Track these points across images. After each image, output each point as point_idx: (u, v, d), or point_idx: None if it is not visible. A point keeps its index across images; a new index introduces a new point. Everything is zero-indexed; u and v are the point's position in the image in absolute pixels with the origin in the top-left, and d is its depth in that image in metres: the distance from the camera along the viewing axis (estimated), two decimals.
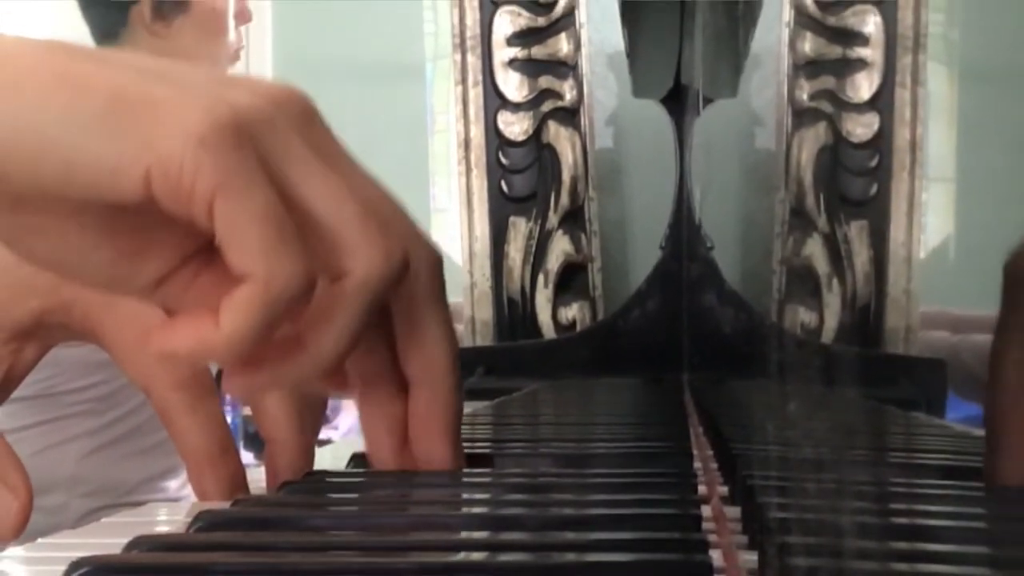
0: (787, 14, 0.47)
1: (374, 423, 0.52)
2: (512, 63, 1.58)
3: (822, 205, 0.41)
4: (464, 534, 0.44)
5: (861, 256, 0.38)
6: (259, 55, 3.16)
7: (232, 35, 1.78)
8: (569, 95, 1.58)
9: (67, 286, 0.53)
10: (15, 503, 0.49)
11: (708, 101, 0.93)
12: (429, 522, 0.45)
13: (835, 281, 0.39)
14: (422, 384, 0.51)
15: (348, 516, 0.47)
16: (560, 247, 1.57)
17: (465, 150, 1.58)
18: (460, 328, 1.52)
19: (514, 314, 1.56)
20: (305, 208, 0.44)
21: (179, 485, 1.76)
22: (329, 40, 3.38)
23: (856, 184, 0.40)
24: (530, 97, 1.58)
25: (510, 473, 0.57)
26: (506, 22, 1.59)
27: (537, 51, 1.58)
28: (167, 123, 0.41)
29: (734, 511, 0.46)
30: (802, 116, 0.44)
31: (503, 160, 1.58)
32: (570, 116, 1.58)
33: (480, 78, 1.58)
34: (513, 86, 1.58)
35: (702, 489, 0.50)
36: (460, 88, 1.59)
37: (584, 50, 1.59)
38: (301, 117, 0.45)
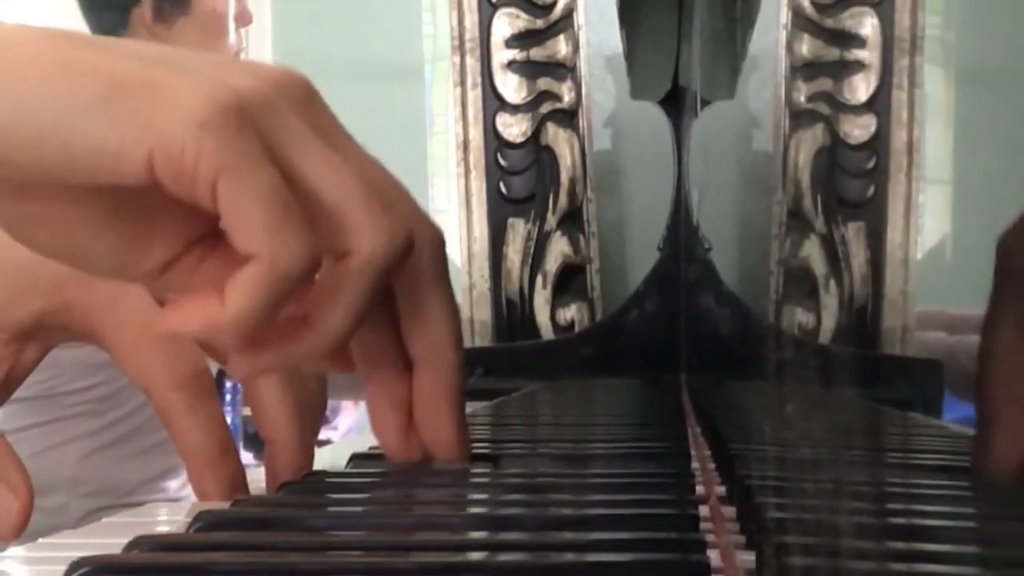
0: (784, 16, 0.47)
1: (379, 403, 0.52)
2: (511, 65, 1.58)
3: (819, 206, 0.41)
4: (464, 534, 0.44)
5: (858, 257, 0.38)
6: (258, 57, 3.16)
7: (232, 37, 1.79)
8: (567, 97, 1.58)
9: (69, 287, 0.53)
10: (16, 503, 0.49)
11: (706, 103, 0.93)
12: (428, 522, 0.46)
13: (832, 282, 0.39)
14: (426, 363, 0.51)
15: (347, 516, 0.47)
16: (558, 248, 1.57)
17: (464, 152, 1.58)
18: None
19: (513, 315, 1.56)
20: (308, 188, 0.44)
21: (179, 485, 1.76)
22: (328, 42, 3.38)
23: (853, 186, 0.40)
24: (529, 99, 1.58)
25: (509, 473, 0.57)
26: (505, 24, 1.59)
27: (536, 53, 1.59)
28: (169, 107, 0.41)
29: (732, 511, 0.46)
30: (799, 118, 0.44)
31: (502, 162, 1.58)
32: (568, 118, 1.58)
33: (479, 80, 1.58)
34: (512, 88, 1.58)
35: (700, 489, 0.50)
36: (459, 90, 1.59)
37: (582, 52, 1.59)
38: (302, 99, 0.46)
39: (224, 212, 0.42)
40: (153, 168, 0.41)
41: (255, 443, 2.37)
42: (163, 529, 0.49)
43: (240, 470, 0.55)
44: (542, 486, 0.53)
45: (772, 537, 0.35)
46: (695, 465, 0.59)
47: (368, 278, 0.45)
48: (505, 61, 1.58)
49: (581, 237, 1.57)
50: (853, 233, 0.38)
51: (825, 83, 0.42)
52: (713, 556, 0.38)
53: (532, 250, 1.56)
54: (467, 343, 1.53)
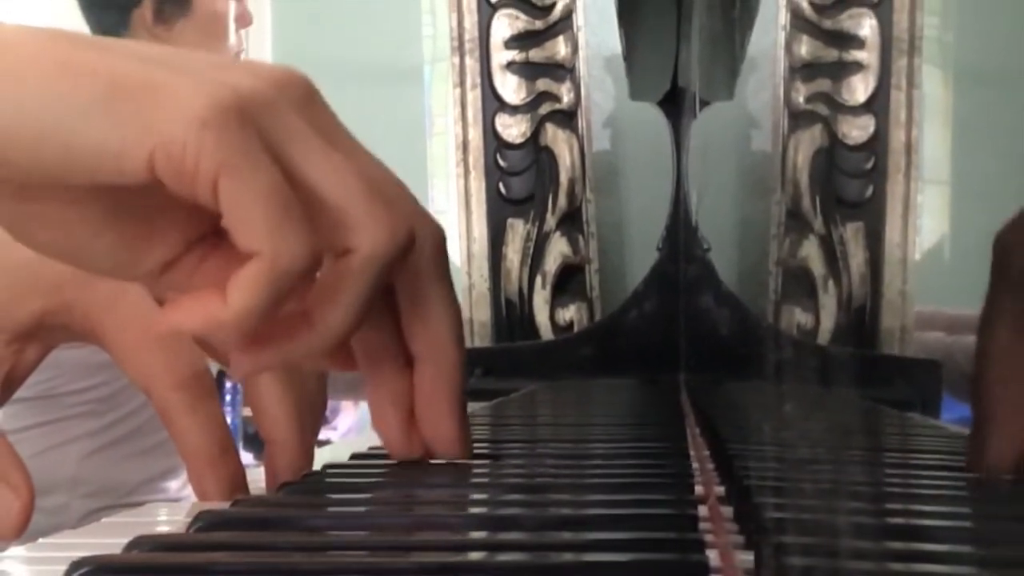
0: (783, 17, 0.47)
1: (380, 400, 0.52)
2: (510, 66, 1.58)
3: (818, 207, 0.41)
4: (463, 534, 0.44)
5: (857, 257, 0.38)
6: (258, 58, 3.16)
7: (233, 38, 1.79)
8: (567, 98, 1.58)
9: (69, 287, 0.54)
10: (17, 502, 0.49)
11: (705, 104, 0.93)
12: (428, 522, 0.46)
13: (831, 282, 0.39)
14: (427, 360, 0.51)
15: (348, 516, 0.48)
16: (558, 249, 1.57)
17: (463, 152, 1.58)
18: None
19: (512, 315, 1.56)
20: (309, 186, 0.44)
21: (179, 486, 1.76)
22: (328, 43, 3.37)
23: (852, 186, 0.40)
24: (528, 100, 1.58)
25: (508, 473, 0.57)
26: (504, 25, 1.59)
27: (535, 54, 1.59)
28: (169, 106, 0.41)
29: (730, 511, 0.46)
30: (798, 118, 0.44)
31: (501, 162, 1.58)
32: (568, 119, 1.58)
33: (478, 81, 1.58)
34: (511, 89, 1.58)
35: (699, 489, 0.50)
36: (458, 91, 1.59)
37: (582, 53, 1.59)
38: (302, 98, 0.46)
39: (225, 211, 0.42)
40: (154, 168, 0.41)
41: (255, 443, 2.37)
42: (163, 529, 0.49)
43: (240, 470, 0.55)
44: (541, 486, 0.53)
45: (771, 537, 0.35)
46: (694, 465, 0.59)
47: (369, 276, 0.45)
48: (504, 62, 1.58)
49: (580, 237, 1.57)
50: (851, 233, 0.39)
51: (824, 84, 0.42)
52: (712, 556, 0.38)
53: (531, 250, 1.56)
54: (467, 343, 1.54)
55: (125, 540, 0.41)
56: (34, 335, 0.55)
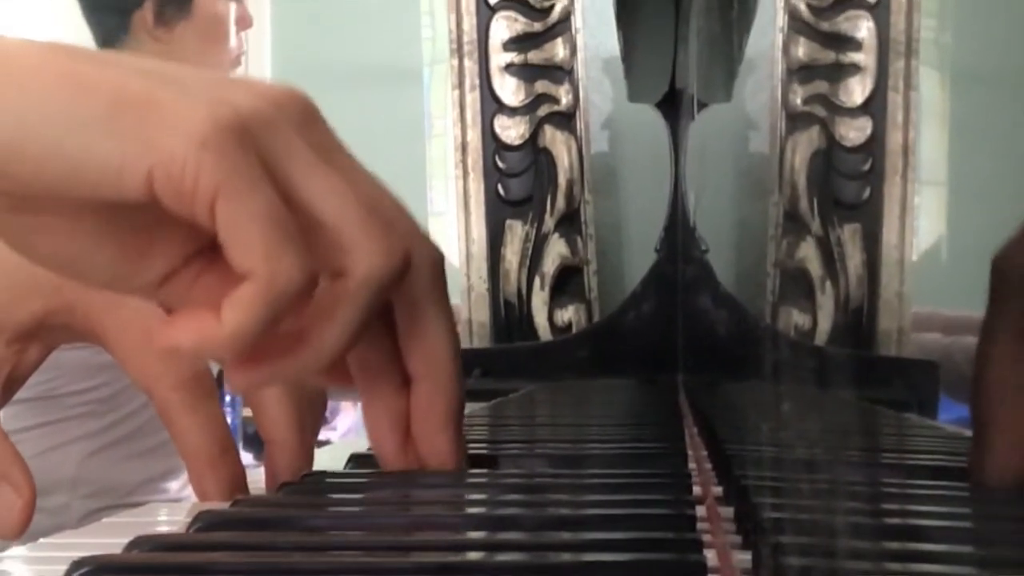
0: (781, 19, 0.47)
1: (377, 418, 0.52)
2: (509, 68, 1.58)
3: (815, 208, 0.41)
4: (462, 534, 0.44)
5: (854, 259, 0.38)
6: (258, 60, 3.16)
7: (233, 40, 1.79)
8: (565, 99, 1.59)
9: (70, 287, 0.54)
10: (19, 501, 0.49)
11: (702, 105, 0.93)
12: (427, 522, 0.46)
13: (828, 284, 0.39)
14: (424, 379, 0.51)
15: (347, 516, 0.48)
16: (556, 250, 1.57)
17: (462, 154, 1.58)
18: (457, 330, 1.51)
19: (510, 316, 1.56)
20: (307, 207, 0.44)
21: (180, 486, 1.76)
22: (327, 45, 3.38)
23: (849, 188, 0.40)
24: (526, 101, 1.58)
25: (507, 474, 0.57)
26: (503, 27, 1.59)
27: (533, 56, 1.59)
28: (169, 124, 0.41)
29: (728, 511, 0.46)
30: (795, 120, 0.44)
31: (500, 164, 1.58)
32: (566, 120, 1.59)
33: (477, 83, 1.58)
34: (510, 90, 1.59)
35: (697, 489, 0.50)
36: (457, 92, 1.59)
37: (580, 55, 1.59)
38: (302, 117, 0.46)
39: (222, 231, 0.42)
40: (152, 186, 0.41)
41: (255, 443, 2.37)
42: (163, 529, 0.50)
43: (240, 470, 0.55)
44: (540, 486, 0.53)
45: (768, 537, 0.35)
46: (692, 465, 0.59)
47: (364, 297, 0.46)
48: (503, 64, 1.58)
49: (579, 239, 1.57)
50: (849, 235, 0.39)
51: (821, 86, 0.42)
52: (710, 556, 0.38)
53: (530, 252, 1.56)
54: (465, 344, 1.54)
55: (125, 540, 0.41)
56: (35, 335, 0.55)
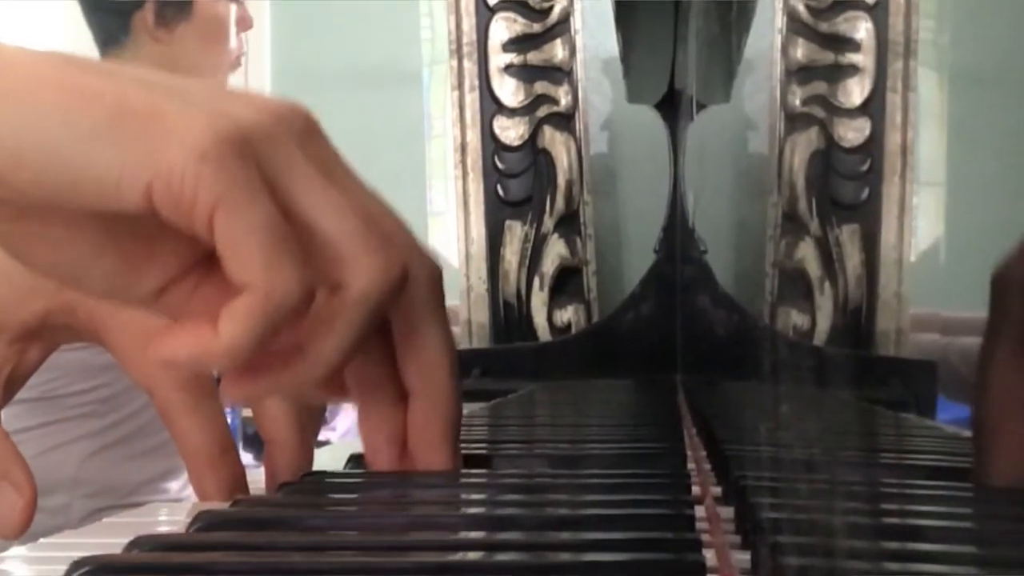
0: (780, 20, 0.47)
1: (373, 432, 0.52)
2: (508, 69, 1.59)
3: (814, 209, 0.41)
4: (461, 534, 0.44)
5: (853, 259, 0.38)
6: (257, 61, 3.16)
7: (233, 42, 1.79)
8: (564, 100, 1.59)
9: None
10: (20, 500, 0.49)
11: (701, 106, 0.93)
12: (427, 522, 0.46)
13: (827, 284, 0.40)
14: (421, 394, 0.51)
15: (346, 516, 0.48)
16: (555, 250, 1.57)
17: (462, 155, 1.58)
18: (457, 330, 1.52)
19: (510, 316, 1.56)
20: (306, 221, 0.44)
21: (180, 486, 1.76)
22: (327, 46, 3.38)
23: (848, 188, 0.40)
24: (526, 102, 1.58)
25: (506, 474, 0.57)
26: (502, 28, 1.59)
27: (533, 57, 1.59)
28: (170, 135, 0.41)
29: (727, 511, 0.46)
30: (794, 121, 0.44)
31: (499, 164, 1.58)
32: (565, 121, 1.59)
33: (476, 83, 1.58)
34: (509, 91, 1.59)
35: (695, 489, 0.50)
36: (457, 93, 1.59)
37: (579, 56, 1.59)
38: (303, 131, 0.46)
39: (220, 243, 0.42)
40: (152, 197, 0.41)
41: (255, 443, 2.37)
42: (163, 529, 0.50)
43: (240, 470, 0.55)
44: (539, 486, 0.53)
45: (767, 537, 0.35)
46: (691, 465, 0.59)
47: (361, 312, 0.45)
48: (502, 65, 1.59)
49: (578, 239, 1.57)
50: (847, 235, 0.39)
51: (820, 87, 0.42)
52: (709, 556, 0.38)
53: (529, 252, 1.56)
54: (465, 344, 1.54)
55: (126, 540, 0.41)
56: (37, 335, 0.55)
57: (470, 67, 1.58)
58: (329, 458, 0.60)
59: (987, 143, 0.29)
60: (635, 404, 1.19)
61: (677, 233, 1.43)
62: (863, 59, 0.39)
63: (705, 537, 0.41)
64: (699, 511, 0.45)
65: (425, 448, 0.51)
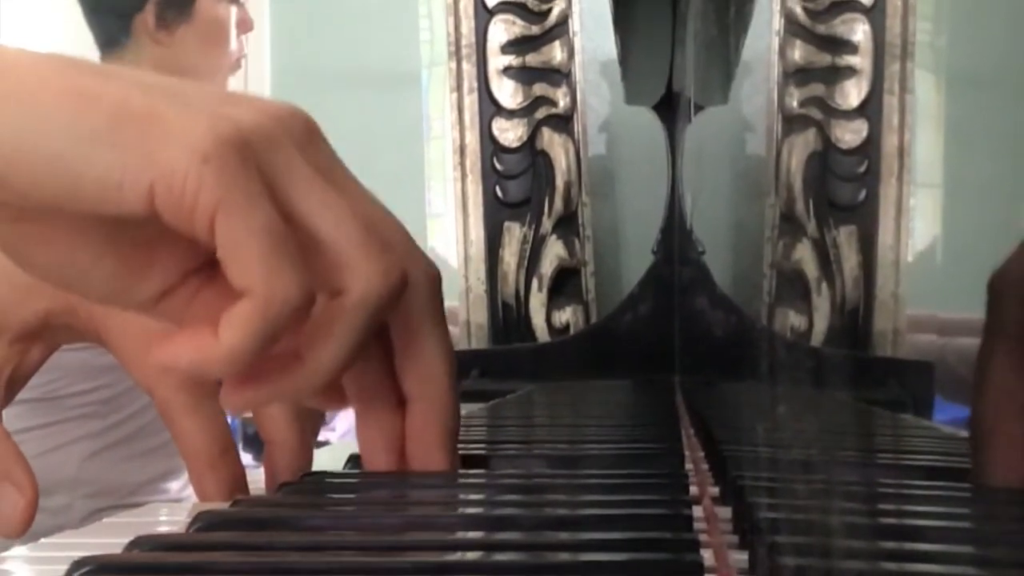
0: (777, 22, 0.47)
1: (371, 438, 0.52)
2: (507, 71, 1.59)
3: (811, 210, 0.41)
4: (460, 534, 0.44)
5: (850, 260, 0.38)
6: (257, 63, 3.16)
7: (234, 44, 1.79)
8: (563, 102, 1.59)
9: None
10: (21, 500, 0.49)
11: (699, 108, 0.93)
12: (425, 522, 0.46)
13: (824, 285, 0.40)
14: (419, 400, 0.51)
15: (346, 516, 0.48)
16: (554, 252, 1.57)
17: (460, 156, 1.58)
18: (455, 331, 1.52)
19: (508, 317, 1.56)
20: (306, 225, 0.44)
21: (180, 486, 1.76)
22: (326, 48, 3.38)
23: (845, 189, 0.40)
24: (524, 104, 1.59)
25: (505, 474, 0.57)
26: (501, 30, 1.59)
27: (531, 59, 1.59)
28: (171, 139, 0.41)
29: (725, 511, 0.46)
30: (792, 123, 0.44)
31: (498, 166, 1.58)
32: (564, 123, 1.59)
33: (475, 85, 1.58)
34: (508, 93, 1.59)
35: (693, 490, 0.51)
36: (455, 95, 1.59)
37: (577, 58, 1.60)
38: (303, 135, 0.46)
39: (221, 247, 0.42)
40: (153, 200, 0.41)
41: (255, 444, 2.36)
42: (163, 529, 0.50)
43: (240, 471, 0.55)
44: (537, 487, 0.53)
45: (765, 537, 0.35)
46: (688, 466, 0.59)
47: (360, 317, 0.45)
48: (501, 67, 1.59)
49: (576, 241, 1.58)
50: (845, 236, 0.39)
51: (817, 88, 0.42)
52: (706, 556, 0.39)
53: (528, 253, 1.57)
54: (463, 345, 1.54)
55: (126, 540, 0.41)
56: (38, 335, 0.55)
57: (469, 69, 1.58)
58: (329, 458, 0.60)
59: (984, 145, 0.29)
60: (633, 405, 1.19)
61: (675, 234, 1.43)
62: (860, 61, 0.39)
63: (703, 537, 0.41)
64: (697, 511, 0.45)
65: (423, 454, 0.51)
